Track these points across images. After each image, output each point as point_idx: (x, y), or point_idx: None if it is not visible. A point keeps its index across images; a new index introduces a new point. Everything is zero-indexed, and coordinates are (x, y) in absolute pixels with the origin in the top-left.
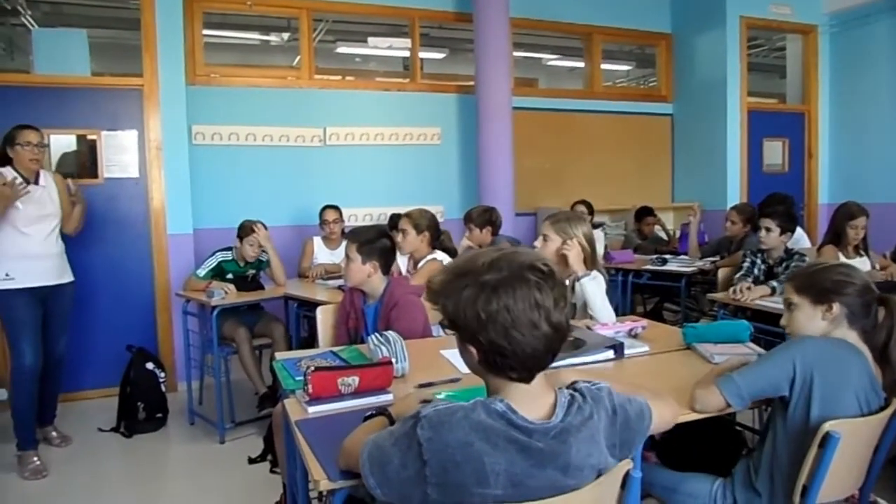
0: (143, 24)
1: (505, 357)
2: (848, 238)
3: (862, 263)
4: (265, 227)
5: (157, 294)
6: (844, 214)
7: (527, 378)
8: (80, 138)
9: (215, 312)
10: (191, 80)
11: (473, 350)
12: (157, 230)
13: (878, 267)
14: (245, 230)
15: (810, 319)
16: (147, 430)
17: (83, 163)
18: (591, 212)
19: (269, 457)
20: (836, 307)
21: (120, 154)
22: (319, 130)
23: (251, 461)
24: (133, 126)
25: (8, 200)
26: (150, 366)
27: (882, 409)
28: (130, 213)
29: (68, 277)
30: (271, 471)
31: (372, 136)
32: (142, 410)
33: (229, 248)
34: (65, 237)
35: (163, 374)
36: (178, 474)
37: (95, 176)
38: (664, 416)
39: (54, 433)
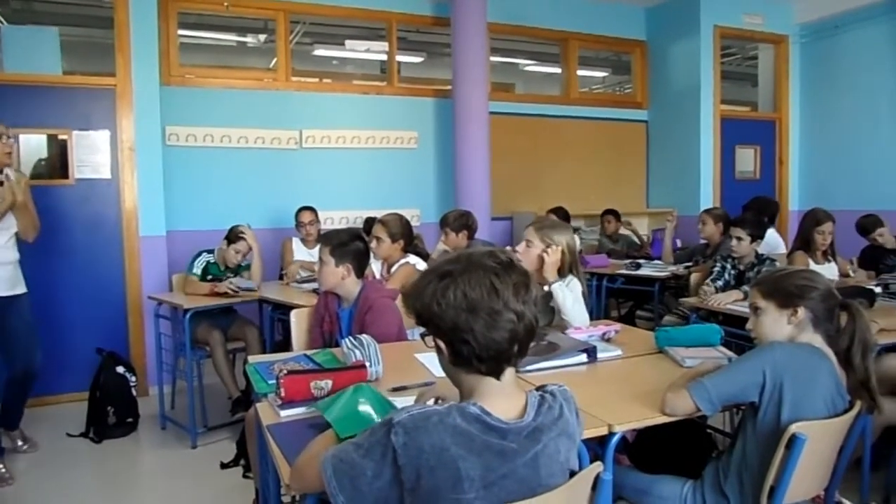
0: (117, 23)
1: (469, 345)
2: (816, 244)
3: (829, 269)
4: (250, 228)
5: (129, 297)
6: (812, 221)
7: (496, 372)
8: (51, 138)
9: (188, 315)
10: (165, 81)
11: (443, 345)
12: (130, 232)
13: (842, 273)
14: (235, 236)
15: (776, 323)
16: (117, 435)
17: (54, 163)
18: (567, 218)
19: (242, 461)
20: (800, 311)
21: (92, 154)
22: (296, 133)
23: (224, 466)
24: (105, 126)
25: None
26: (120, 369)
27: (846, 411)
28: (102, 215)
29: (21, 289)
30: (244, 475)
31: (349, 139)
32: (112, 415)
33: (212, 251)
34: (23, 246)
35: (134, 378)
36: (150, 480)
37: (66, 177)
38: None
39: (20, 441)
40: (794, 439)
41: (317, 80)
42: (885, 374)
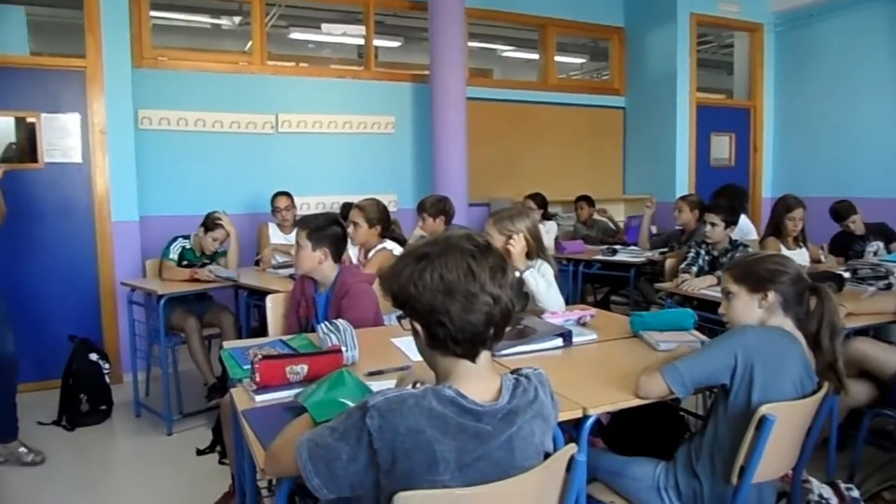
0: (86, 3)
1: (445, 327)
2: (787, 230)
3: (800, 255)
4: (225, 230)
5: (102, 283)
6: (783, 207)
7: (471, 354)
8: (19, 121)
9: (162, 301)
10: (137, 63)
11: (419, 328)
12: (102, 217)
13: (812, 259)
14: (212, 224)
15: (747, 307)
16: (91, 423)
17: (22, 147)
18: (545, 204)
19: (218, 448)
20: (771, 295)
21: (62, 138)
22: (271, 117)
23: (199, 452)
24: (75, 109)
25: None
26: (93, 357)
27: (814, 392)
28: (73, 200)
29: None
30: (220, 462)
31: (325, 123)
32: (85, 402)
33: (187, 237)
34: None
35: (107, 366)
36: (124, 467)
37: (35, 160)
38: None
39: (23, 449)
40: (763, 420)
41: (293, 64)
42: (852, 357)
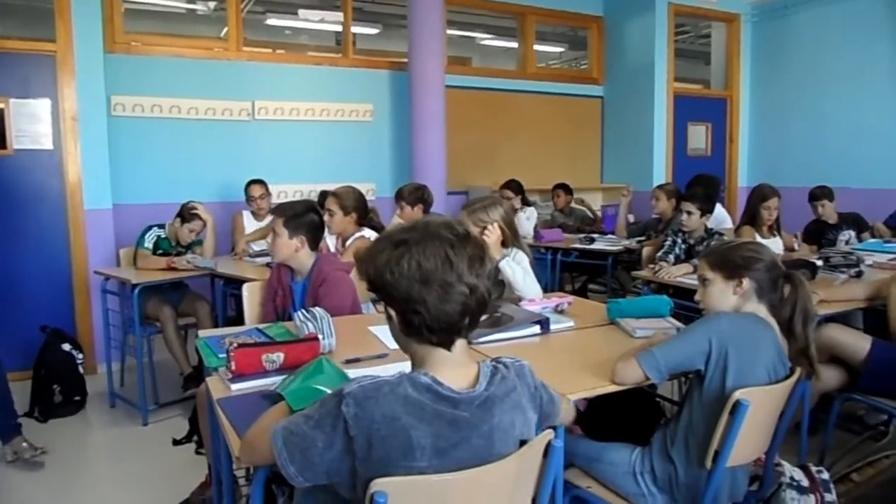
0: None
1: (420, 315)
2: (762, 218)
3: (775, 243)
4: (202, 220)
5: (75, 272)
6: (758, 196)
7: (446, 343)
8: None
9: (136, 291)
10: (109, 48)
11: (393, 313)
12: (74, 205)
13: (786, 248)
14: (189, 214)
15: (723, 294)
16: (64, 414)
17: None
18: (521, 190)
19: (195, 438)
20: (746, 282)
21: (32, 124)
22: (248, 104)
23: (176, 443)
24: (46, 94)
25: None
26: (66, 347)
27: (787, 377)
28: (44, 187)
29: None
30: (197, 452)
31: (302, 111)
32: (58, 393)
33: (162, 226)
34: None
35: (80, 356)
36: (99, 458)
37: (4, 147)
38: (568, 411)
39: (25, 444)
40: (737, 405)
41: (270, 50)
42: (824, 343)
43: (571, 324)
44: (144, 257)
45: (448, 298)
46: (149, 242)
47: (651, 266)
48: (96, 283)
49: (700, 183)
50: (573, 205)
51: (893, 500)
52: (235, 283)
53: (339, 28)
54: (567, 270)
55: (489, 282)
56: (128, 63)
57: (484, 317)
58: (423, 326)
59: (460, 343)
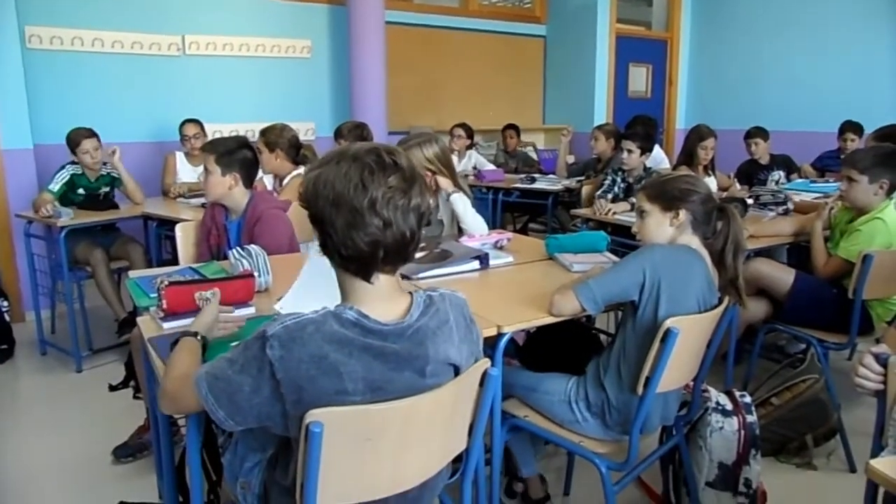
0: None
1: (331, 239)
2: (699, 158)
3: (710, 182)
4: (97, 138)
5: None
6: (696, 136)
7: (364, 274)
8: None
9: (63, 234)
10: None
11: (316, 234)
12: None
13: (720, 187)
14: (72, 141)
15: (659, 226)
16: None
17: None
18: (471, 135)
19: (132, 383)
20: (682, 214)
21: None
22: (177, 38)
23: (112, 388)
24: None
25: None
26: None
27: (716, 307)
28: None
29: None
30: (135, 397)
31: (236, 46)
32: None
33: (77, 162)
34: None
35: (6, 303)
36: (32, 405)
37: None
38: None
39: None
40: (668, 333)
41: None
42: (752, 276)
43: (510, 259)
44: (42, 201)
45: (356, 226)
46: (57, 183)
47: (595, 206)
48: (19, 228)
49: (640, 122)
50: (519, 148)
51: (807, 419)
52: (169, 225)
53: None
54: (508, 210)
55: (415, 220)
56: None
57: (422, 254)
58: (335, 252)
59: (385, 278)
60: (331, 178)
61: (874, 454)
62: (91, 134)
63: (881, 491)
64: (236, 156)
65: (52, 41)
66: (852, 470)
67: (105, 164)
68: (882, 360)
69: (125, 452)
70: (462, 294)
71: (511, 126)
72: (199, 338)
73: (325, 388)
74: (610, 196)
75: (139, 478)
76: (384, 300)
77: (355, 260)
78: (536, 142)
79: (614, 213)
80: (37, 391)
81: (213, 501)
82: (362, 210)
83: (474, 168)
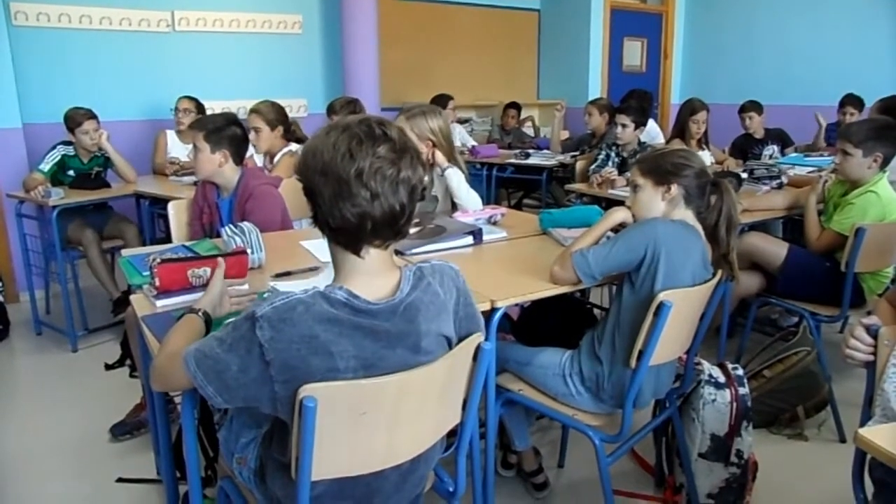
0: None
1: (320, 209)
2: (691, 132)
3: (704, 156)
4: (96, 119)
5: None
6: (688, 109)
7: (353, 248)
8: None
9: (55, 214)
10: None
11: (308, 206)
12: None
13: (715, 161)
14: (72, 121)
15: (652, 200)
16: None
17: None
18: (444, 105)
19: (128, 362)
20: (674, 188)
21: None
22: (167, 14)
23: (108, 367)
24: None
25: None
26: None
27: (707, 281)
28: None
29: None
30: (131, 375)
31: (227, 22)
32: None
33: (70, 143)
34: None
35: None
36: (29, 384)
37: None
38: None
39: None
40: (661, 306)
41: None
42: (745, 249)
43: (504, 234)
44: (31, 180)
45: (343, 195)
46: (47, 164)
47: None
48: (10, 208)
49: (634, 97)
50: (516, 126)
51: (798, 390)
52: (162, 204)
53: None
54: (503, 186)
55: (405, 194)
56: None
57: (416, 229)
58: (324, 224)
59: (376, 252)
60: (320, 148)
61: (863, 424)
62: (91, 115)
63: (868, 459)
64: (225, 132)
65: (39, 17)
66: (842, 440)
67: (99, 135)
68: (873, 332)
69: (122, 430)
70: (456, 267)
71: (513, 105)
72: (200, 314)
73: (316, 367)
74: (604, 171)
75: (137, 455)
76: (375, 275)
77: (343, 232)
78: (532, 114)
79: (613, 178)
80: (33, 371)
81: (210, 477)
82: (349, 180)
83: (462, 145)
